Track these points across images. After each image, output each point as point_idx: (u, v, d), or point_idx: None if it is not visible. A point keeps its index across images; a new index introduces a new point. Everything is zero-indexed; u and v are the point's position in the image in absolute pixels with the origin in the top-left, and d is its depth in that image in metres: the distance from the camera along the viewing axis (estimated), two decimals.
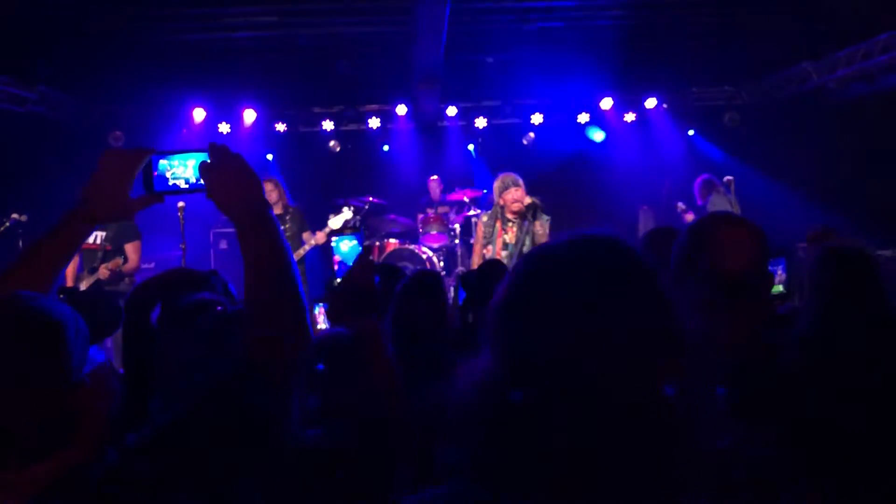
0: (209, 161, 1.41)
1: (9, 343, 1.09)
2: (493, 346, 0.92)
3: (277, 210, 7.10)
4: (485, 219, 5.90)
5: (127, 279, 6.06)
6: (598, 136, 10.33)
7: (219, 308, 1.67)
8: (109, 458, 1.11)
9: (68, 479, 1.07)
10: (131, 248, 6.09)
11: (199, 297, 1.62)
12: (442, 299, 2.90)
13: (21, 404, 1.07)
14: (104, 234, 6.02)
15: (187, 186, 1.51)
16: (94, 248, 5.96)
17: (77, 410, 1.12)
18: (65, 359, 1.13)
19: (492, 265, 3.60)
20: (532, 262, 0.95)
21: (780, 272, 2.96)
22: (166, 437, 1.13)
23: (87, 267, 5.94)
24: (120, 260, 5.97)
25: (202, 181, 1.43)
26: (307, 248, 7.24)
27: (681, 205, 8.06)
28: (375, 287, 1.81)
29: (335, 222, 7.32)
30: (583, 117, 9.77)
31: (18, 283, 1.36)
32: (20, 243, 6.43)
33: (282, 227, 1.42)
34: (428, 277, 2.96)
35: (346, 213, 7.41)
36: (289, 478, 1.38)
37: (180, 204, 6.68)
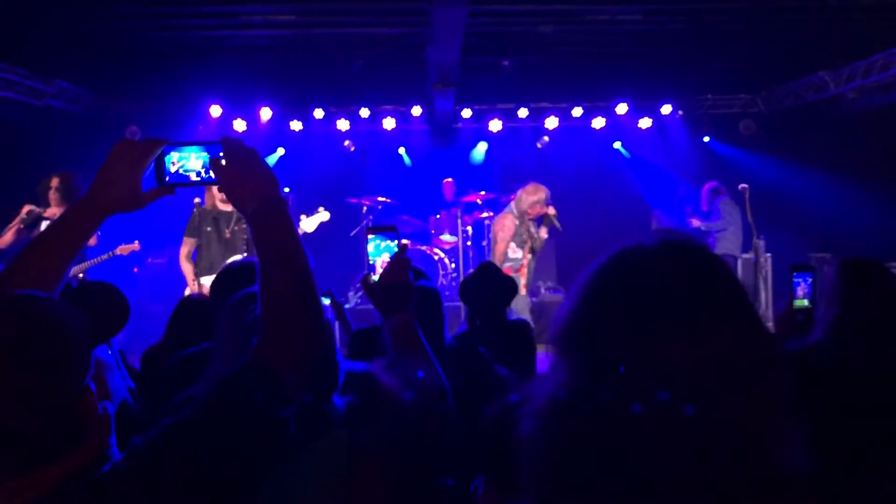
0: (222, 154, 1.39)
1: (12, 349, 1.05)
2: (578, 355, 0.88)
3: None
4: (517, 222, 6.53)
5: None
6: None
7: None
8: (115, 461, 1.10)
9: (73, 482, 1.05)
10: None
11: (250, 290, 1.55)
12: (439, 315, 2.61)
13: (25, 410, 1.03)
14: None
15: (199, 179, 1.46)
16: None
17: (83, 414, 1.10)
18: (69, 364, 1.09)
19: (484, 269, 3.54)
20: (622, 269, 0.90)
21: (802, 285, 2.92)
22: (171, 438, 1.11)
23: None
24: (136, 244, 6.46)
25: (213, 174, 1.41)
26: None
27: (695, 221, 8.63)
28: (411, 283, 1.86)
29: (309, 224, 6.54)
30: (598, 122, 9.72)
31: (26, 276, 1.31)
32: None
33: (245, 225, 1.37)
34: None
35: (323, 215, 6.63)
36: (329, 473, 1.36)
37: (196, 200, 6.70)
